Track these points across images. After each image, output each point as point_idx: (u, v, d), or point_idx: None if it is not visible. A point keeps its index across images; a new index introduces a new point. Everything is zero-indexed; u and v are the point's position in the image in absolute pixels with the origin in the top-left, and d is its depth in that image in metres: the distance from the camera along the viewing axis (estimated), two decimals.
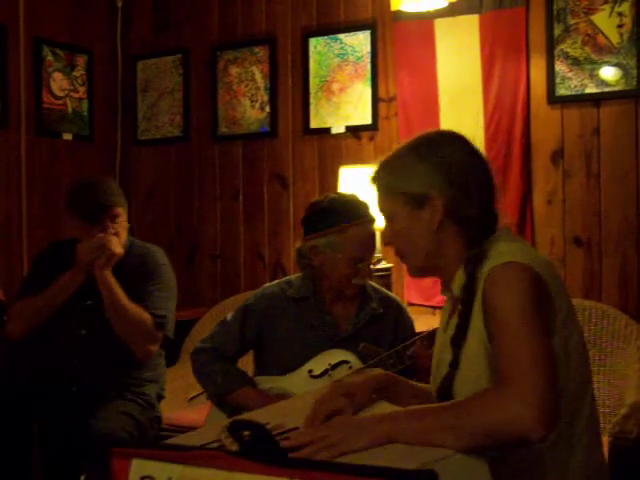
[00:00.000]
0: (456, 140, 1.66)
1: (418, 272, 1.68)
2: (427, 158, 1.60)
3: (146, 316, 2.68)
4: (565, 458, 1.47)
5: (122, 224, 2.80)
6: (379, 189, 1.67)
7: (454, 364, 1.52)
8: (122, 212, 2.81)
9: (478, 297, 1.49)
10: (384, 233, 1.71)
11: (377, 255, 2.55)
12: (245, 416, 1.48)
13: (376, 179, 1.68)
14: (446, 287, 1.64)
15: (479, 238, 1.56)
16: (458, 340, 1.52)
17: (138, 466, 1.09)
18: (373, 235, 2.44)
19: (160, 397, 2.92)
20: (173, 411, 3.28)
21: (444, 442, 1.28)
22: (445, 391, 1.54)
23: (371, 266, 2.48)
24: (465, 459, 1.24)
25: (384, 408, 1.54)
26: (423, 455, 1.19)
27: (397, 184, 1.62)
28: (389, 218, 1.65)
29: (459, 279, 1.56)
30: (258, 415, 1.47)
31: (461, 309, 1.53)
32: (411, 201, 1.60)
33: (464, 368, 1.51)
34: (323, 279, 2.45)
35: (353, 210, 2.42)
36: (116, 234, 2.75)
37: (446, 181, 1.58)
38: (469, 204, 1.58)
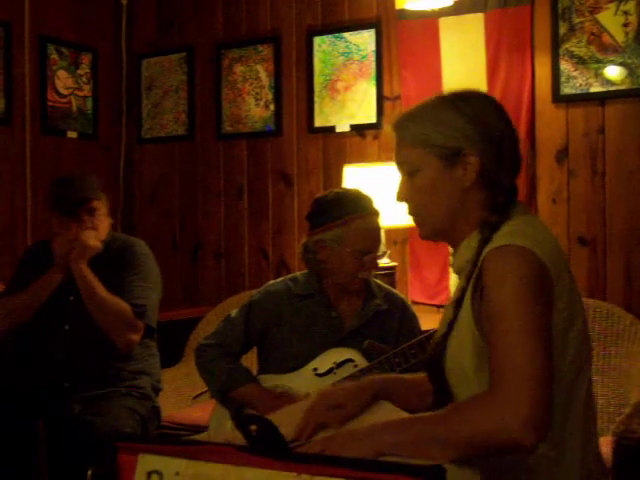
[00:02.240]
0: (492, 100, 1.57)
1: (432, 234, 1.57)
2: (463, 110, 1.50)
3: (124, 306, 2.69)
4: (557, 455, 1.39)
5: (100, 217, 2.82)
6: (403, 140, 1.54)
7: (445, 337, 1.46)
8: (99, 205, 2.82)
9: (470, 285, 1.43)
10: (400, 189, 1.58)
11: (382, 249, 2.55)
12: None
13: (400, 128, 1.55)
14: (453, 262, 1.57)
15: (502, 209, 1.47)
16: (454, 314, 1.45)
17: (145, 461, 1.09)
18: (378, 228, 2.46)
19: (157, 389, 2.92)
20: (177, 410, 3.28)
21: (433, 455, 1.24)
22: (434, 364, 1.48)
23: (377, 260, 2.49)
24: (456, 471, 1.22)
25: (385, 408, 1.52)
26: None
27: (428, 135, 1.49)
28: (412, 172, 1.53)
29: (464, 251, 1.50)
30: None
31: (461, 284, 1.48)
32: (443, 155, 1.48)
33: (453, 343, 1.45)
34: (329, 275, 2.45)
35: (357, 203, 2.42)
36: (93, 227, 2.78)
37: (483, 139, 1.48)
38: (502, 169, 1.49)
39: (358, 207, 2.41)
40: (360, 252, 2.39)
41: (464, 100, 1.54)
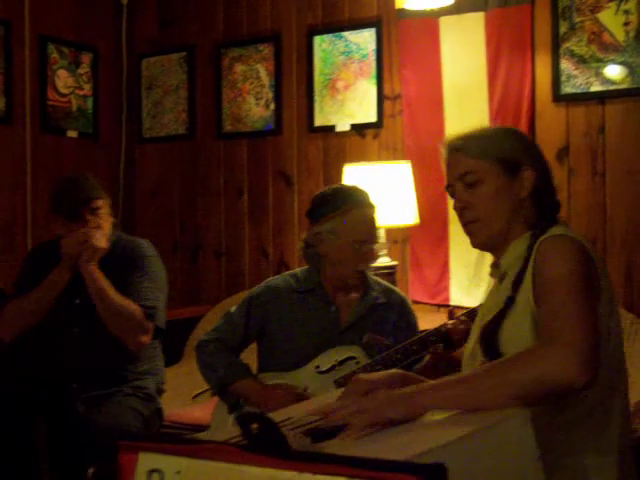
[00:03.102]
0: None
1: (487, 241, 1.70)
2: (516, 135, 1.75)
3: (135, 307, 2.68)
4: (603, 427, 1.52)
5: (103, 216, 2.80)
6: (467, 153, 1.69)
7: (502, 313, 1.56)
8: (102, 204, 2.80)
9: (529, 269, 1.55)
10: (460, 198, 1.71)
11: (381, 242, 2.57)
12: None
13: (463, 144, 1.71)
14: (496, 266, 1.70)
15: (545, 224, 1.63)
16: (513, 293, 1.57)
17: (145, 460, 1.09)
18: (374, 219, 2.48)
19: (160, 391, 2.91)
20: (177, 409, 3.28)
21: (490, 401, 1.30)
22: (489, 336, 1.57)
23: (375, 252, 2.49)
24: (506, 428, 1.23)
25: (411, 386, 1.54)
26: (457, 429, 1.19)
27: (492, 149, 1.68)
28: (474, 182, 1.67)
29: (515, 248, 1.64)
30: (279, 415, 1.45)
31: (513, 279, 1.59)
32: (505, 167, 1.67)
33: (511, 320, 1.55)
34: (329, 269, 2.47)
35: (353, 195, 2.48)
36: (98, 227, 2.76)
37: (536, 158, 1.72)
38: (549, 187, 1.71)
39: (354, 199, 2.46)
40: (357, 242, 2.41)
41: (515, 129, 1.86)
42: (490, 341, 1.56)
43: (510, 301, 1.57)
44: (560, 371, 1.32)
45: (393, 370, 1.68)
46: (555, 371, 1.33)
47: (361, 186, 2.55)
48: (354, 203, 2.44)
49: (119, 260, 2.80)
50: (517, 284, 1.58)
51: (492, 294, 1.73)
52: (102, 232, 2.76)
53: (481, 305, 1.82)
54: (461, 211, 1.71)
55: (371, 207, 2.48)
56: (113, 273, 2.73)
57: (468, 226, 1.71)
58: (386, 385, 1.56)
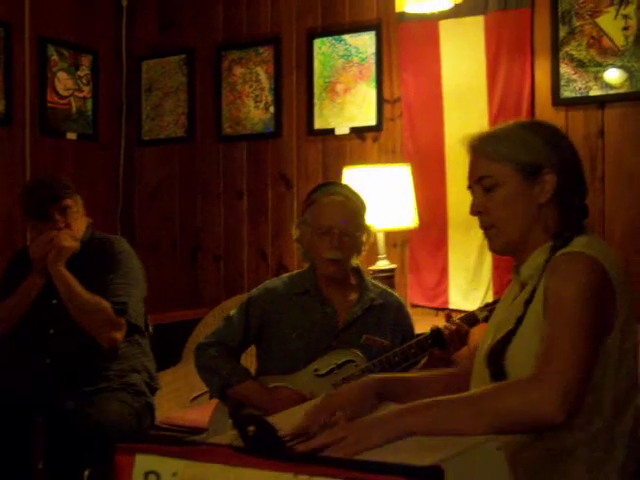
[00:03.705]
0: (559, 129, 1.69)
1: (505, 247, 1.64)
2: (540, 133, 1.62)
3: (105, 304, 2.68)
4: (603, 458, 1.46)
5: (73, 215, 2.80)
6: (484, 155, 1.62)
7: (512, 332, 1.53)
8: (72, 204, 2.80)
9: (540, 285, 1.51)
10: (477, 202, 1.65)
11: (358, 232, 2.48)
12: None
13: (481, 145, 1.63)
14: (516, 271, 1.65)
15: (570, 230, 1.56)
16: (524, 312, 1.53)
17: (142, 461, 1.08)
18: (344, 206, 2.46)
19: (152, 388, 2.90)
20: (175, 411, 3.28)
21: (467, 430, 1.28)
22: (495, 356, 1.53)
23: (347, 240, 2.44)
24: (480, 453, 1.21)
25: (389, 409, 1.52)
26: (437, 451, 1.17)
27: (510, 152, 1.59)
28: (492, 186, 1.61)
29: (536, 258, 1.57)
30: (278, 418, 1.44)
31: (526, 296, 1.55)
32: (524, 171, 1.58)
33: (519, 341, 1.51)
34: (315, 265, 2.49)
35: (325, 185, 2.54)
36: (67, 226, 2.76)
37: (559, 159, 1.59)
38: (575, 190, 1.61)
39: (323, 188, 2.51)
40: (323, 227, 2.42)
41: (540, 125, 1.69)
42: (496, 361, 1.53)
43: (519, 321, 1.53)
44: (538, 409, 1.29)
45: (367, 378, 1.64)
46: (531, 407, 1.30)
47: (346, 182, 2.58)
48: (322, 191, 2.49)
49: (90, 259, 2.80)
50: (528, 303, 1.53)
51: (507, 305, 1.66)
52: (69, 231, 2.75)
53: (494, 314, 1.76)
54: (478, 215, 1.65)
55: (341, 195, 2.47)
56: (86, 272, 2.74)
57: (485, 231, 1.66)
58: (360, 399, 1.52)
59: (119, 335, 2.72)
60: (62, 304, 2.71)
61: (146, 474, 1.07)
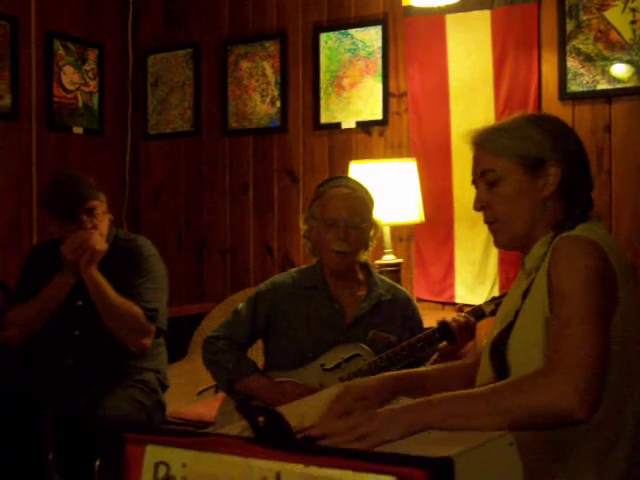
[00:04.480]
0: (565, 122, 1.68)
1: (509, 241, 1.64)
2: (544, 126, 1.61)
3: (137, 310, 2.68)
4: (609, 445, 1.46)
5: (99, 216, 2.78)
6: (487, 150, 1.62)
7: (511, 325, 1.52)
8: (97, 204, 2.78)
9: (542, 270, 1.50)
10: (480, 197, 1.65)
11: (364, 224, 2.47)
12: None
13: (484, 140, 1.63)
14: (523, 263, 1.64)
15: (577, 219, 1.56)
16: (521, 303, 1.53)
17: (152, 452, 1.09)
18: (351, 199, 2.45)
19: (163, 386, 2.91)
20: (181, 405, 3.28)
21: (485, 425, 1.27)
22: (497, 349, 1.53)
23: (354, 232, 2.44)
24: (493, 449, 1.22)
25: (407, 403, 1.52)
26: (450, 445, 1.17)
27: (513, 146, 1.59)
28: (495, 181, 1.60)
29: (539, 248, 1.57)
30: (285, 409, 1.45)
31: (531, 280, 1.54)
32: (527, 165, 1.58)
33: (518, 333, 1.51)
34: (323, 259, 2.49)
35: (332, 179, 2.54)
36: (94, 227, 2.74)
37: (563, 153, 1.59)
38: (580, 183, 1.61)
39: (329, 181, 2.52)
40: (327, 220, 2.42)
41: (544, 118, 1.67)
42: (499, 354, 1.52)
43: (517, 313, 1.53)
44: (559, 404, 1.28)
45: (383, 375, 1.65)
46: (554, 404, 1.29)
47: (355, 177, 2.58)
48: (328, 185, 2.49)
49: (119, 261, 2.79)
50: (526, 294, 1.53)
51: (512, 298, 1.65)
52: (100, 233, 2.74)
53: (500, 308, 1.76)
54: (481, 210, 1.65)
55: (347, 187, 2.47)
56: (113, 274, 2.72)
57: (490, 226, 1.65)
58: (377, 393, 1.54)
59: (148, 341, 2.73)
60: (88, 306, 2.69)
61: (156, 465, 1.08)
